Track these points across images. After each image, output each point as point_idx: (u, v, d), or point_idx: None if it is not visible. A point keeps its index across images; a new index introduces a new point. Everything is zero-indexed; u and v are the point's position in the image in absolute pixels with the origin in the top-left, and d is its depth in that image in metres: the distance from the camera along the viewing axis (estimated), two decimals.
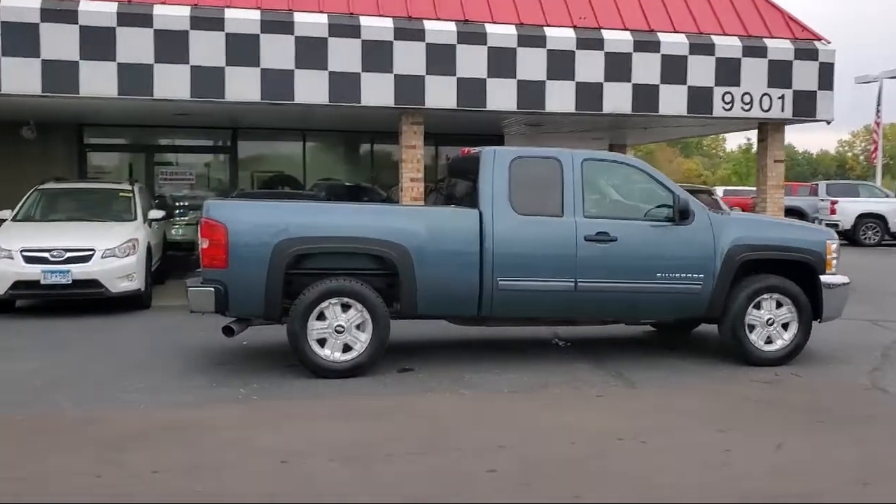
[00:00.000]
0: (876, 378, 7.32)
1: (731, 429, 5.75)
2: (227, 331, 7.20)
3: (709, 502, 4.41)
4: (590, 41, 12.67)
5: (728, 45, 13.17)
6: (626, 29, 12.93)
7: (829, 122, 13.76)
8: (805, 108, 13.53)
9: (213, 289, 6.87)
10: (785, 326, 7.79)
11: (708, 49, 13.08)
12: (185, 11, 11.52)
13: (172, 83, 11.49)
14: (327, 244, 7.08)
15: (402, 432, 5.62)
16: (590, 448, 5.30)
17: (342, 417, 5.97)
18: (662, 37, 12.96)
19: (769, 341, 7.78)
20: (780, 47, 13.34)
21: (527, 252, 7.36)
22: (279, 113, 13.10)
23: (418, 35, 12.15)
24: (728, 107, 13.24)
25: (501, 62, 12.37)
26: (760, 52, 13.26)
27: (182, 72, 11.50)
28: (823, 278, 7.82)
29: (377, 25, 12.06)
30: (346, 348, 7.12)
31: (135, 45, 11.35)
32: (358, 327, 7.12)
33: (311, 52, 11.83)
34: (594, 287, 7.44)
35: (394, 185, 17.56)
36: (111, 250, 10.34)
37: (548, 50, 12.54)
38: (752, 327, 7.73)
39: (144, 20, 11.39)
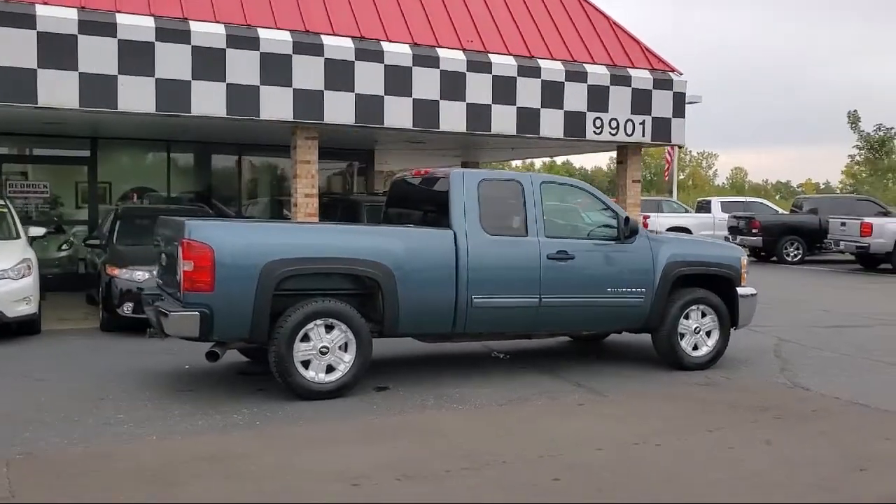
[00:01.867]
0: (790, 377, 8.34)
1: (717, 429, 6.41)
2: (212, 356, 6.96)
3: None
4: (478, 64, 13.21)
5: (598, 73, 14.20)
6: (510, 54, 13.60)
7: (681, 147, 15.19)
8: (661, 133, 14.85)
9: (198, 313, 6.62)
10: (708, 334, 8.67)
11: (581, 77, 14.04)
12: (72, 14, 10.79)
13: (59, 91, 10.71)
14: (316, 265, 7.04)
15: (433, 448, 5.78)
16: (619, 454, 5.74)
17: (363, 438, 6.02)
18: (542, 63, 13.76)
19: (695, 348, 8.63)
20: (641, 77, 14.57)
21: (497, 270, 7.70)
22: (141, 121, 12.37)
23: (316, 50, 12.13)
24: (598, 131, 14.28)
25: (398, 80, 12.61)
26: (625, 80, 14.42)
27: (70, 79, 10.75)
28: (739, 290, 8.78)
29: (275, 38, 11.90)
30: (329, 369, 7.11)
31: (15, 48, 10.48)
32: (341, 348, 7.14)
33: (209, 63, 11.48)
34: (555, 302, 7.93)
35: (250, 198, 17.29)
36: (4, 272, 9.50)
37: (441, 70, 12.94)
38: (682, 335, 8.53)
39: (26, 21, 10.54)
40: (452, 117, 13.05)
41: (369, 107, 12.48)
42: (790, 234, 23.71)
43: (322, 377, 7.06)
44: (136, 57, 11.05)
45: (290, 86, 11.99)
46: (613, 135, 14.41)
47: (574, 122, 14.01)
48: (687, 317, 8.54)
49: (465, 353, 9.19)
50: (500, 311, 7.73)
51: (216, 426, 6.26)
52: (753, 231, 23.74)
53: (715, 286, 8.77)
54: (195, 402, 6.93)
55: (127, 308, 10.01)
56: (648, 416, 6.80)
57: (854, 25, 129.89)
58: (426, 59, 12.83)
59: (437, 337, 7.90)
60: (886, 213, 23.39)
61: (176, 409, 6.70)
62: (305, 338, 6.99)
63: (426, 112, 12.86)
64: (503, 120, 13.41)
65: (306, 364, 7.02)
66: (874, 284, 18.39)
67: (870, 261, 21.70)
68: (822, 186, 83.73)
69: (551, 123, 13.80)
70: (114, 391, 7.25)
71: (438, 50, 13.00)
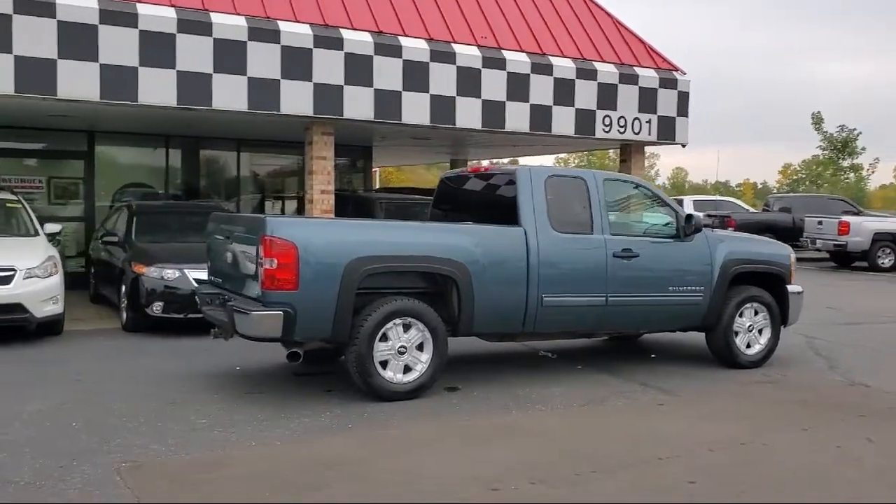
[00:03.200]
0: (844, 374, 8.41)
1: (810, 428, 6.41)
2: (294, 356, 6.73)
3: None
4: (493, 60, 13.12)
5: (607, 71, 14.23)
6: (523, 51, 13.54)
7: (684, 146, 15.32)
8: (666, 132, 14.96)
9: (281, 312, 6.38)
10: (760, 332, 8.70)
11: (591, 74, 14.05)
12: (93, 3, 10.38)
13: (79, 83, 10.31)
14: (399, 263, 6.86)
15: (546, 451, 5.65)
16: (733, 454, 5.68)
17: (468, 441, 5.87)
18: (554, 60, 13.73)
19: (748, 346, 8.65)
20: (648, 76, 14.65)
21: (566, 268, 7.61)
22: (147, 115, 11.94)
23: (336, 44, 11.90)
24: (607, 129, 14.31)
25: (415, 76, 12.45)
26: (633, 79, 14.48)
27: (90, 70, 10.35)
28: (789, 288, 8.84)
29: (296, 31, 11.64)
30: (406, 369, 6.95)
31: (35, 38, 10.04)
32: (418, 347, 6.97)
33: (230, 56, 11.16)
34: (621, 301, 7.87)
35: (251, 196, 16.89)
36: (32, 270, 9.07)
37: (457, 66, 12.81)
38: (736, 333, 8.55)
39: (46, 9, 10.10)
40: (468, 114, 12.96)
41: (388, 102, 12.31)
42: (765, 233, 24.02)
43: (400, 377, 6.89)
44: (158, 49, 10.71)
45: (311, 80, 11.75)
46: (622, 133, 14.46)
47: (584, 120, 14.02)
48: (741, 315, 8.55)
49: (515, 353, 9.09)
50: (568, 310, 7.64)
51: (310, 430, 6.04)
52: (729, 229, 24.06)
53: (765, 283, 8.81)
54: (272, 405, 6.68)
55: (156, 307, 9.65)
56: (731, 415, 6.77)
57: (788, 27, 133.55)
58: (442, 54, 12.69)
59: (501, 336, 7.78)
60: (858, 213, 23.99)
61: (257, 412, 6.45)
62: (384, 337, 6.81)
63: (442, 108, 12.73)
64: (517, 117, 13.36)
65: (384, 364, 6.84)
66: (856, 281, 18.86)
67: (845, 258, 22.22)
68: (760, 186, 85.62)
69: (562, 121, 13.80)
70: (178, 395, 6.95)
71: (454, 45, 12.86)
